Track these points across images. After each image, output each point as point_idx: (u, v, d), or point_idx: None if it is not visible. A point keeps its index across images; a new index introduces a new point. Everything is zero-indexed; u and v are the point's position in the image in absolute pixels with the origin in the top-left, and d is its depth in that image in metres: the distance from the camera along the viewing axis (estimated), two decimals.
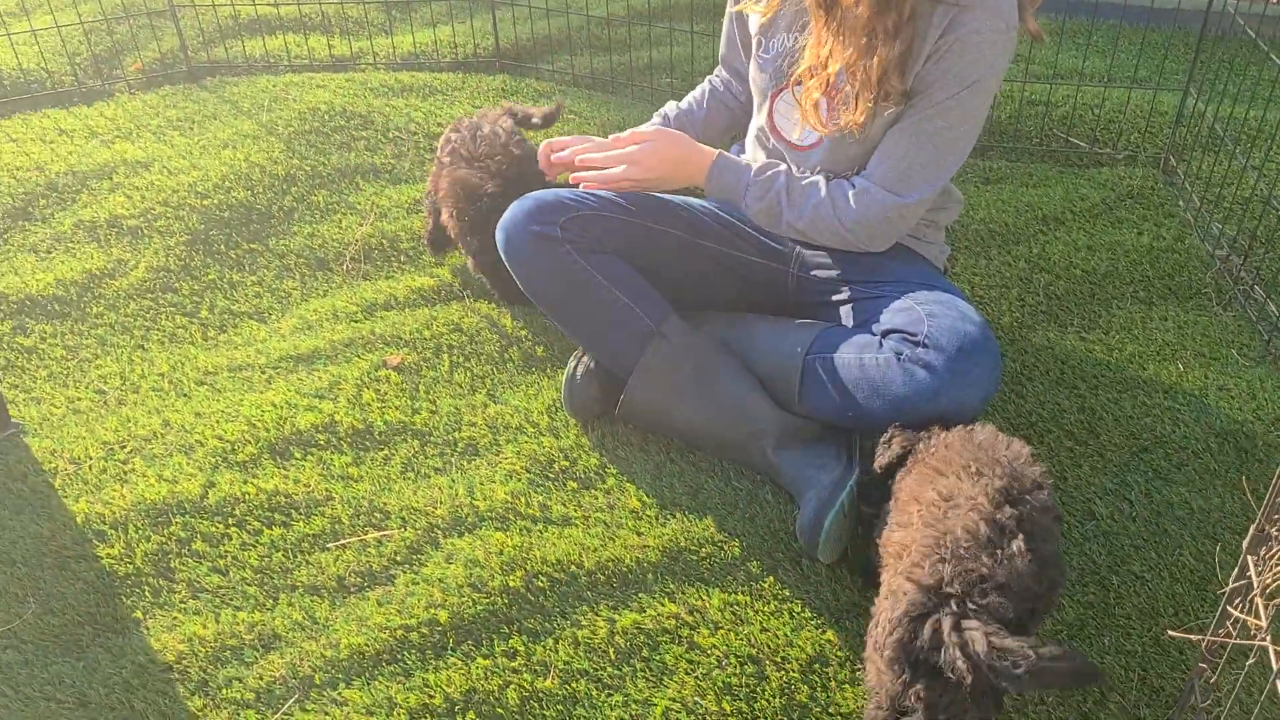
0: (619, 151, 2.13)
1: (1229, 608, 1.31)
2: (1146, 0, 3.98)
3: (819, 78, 2.02)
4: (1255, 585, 1.25)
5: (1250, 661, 1.23)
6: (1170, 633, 1.44)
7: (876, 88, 1.97)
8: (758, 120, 2.27)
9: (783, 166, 2.12)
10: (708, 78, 2.52)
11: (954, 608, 1.41)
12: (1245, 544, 1.31)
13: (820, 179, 2.10)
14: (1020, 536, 1.48)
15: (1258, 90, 3.30)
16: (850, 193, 2.07)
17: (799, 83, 2.08)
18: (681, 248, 2.21)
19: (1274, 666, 1.17)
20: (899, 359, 1.92)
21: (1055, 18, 4.07)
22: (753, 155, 2.31)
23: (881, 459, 1.81)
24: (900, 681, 1.45)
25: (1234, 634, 1.32)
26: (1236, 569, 1.33)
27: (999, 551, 1.47)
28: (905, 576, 1.49)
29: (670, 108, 2.51)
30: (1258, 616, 1.23)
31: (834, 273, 2.22)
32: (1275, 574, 1.21)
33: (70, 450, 2.16)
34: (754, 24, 2.22)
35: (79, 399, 2.34)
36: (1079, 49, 3.90)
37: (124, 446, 2.18)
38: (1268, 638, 1.20)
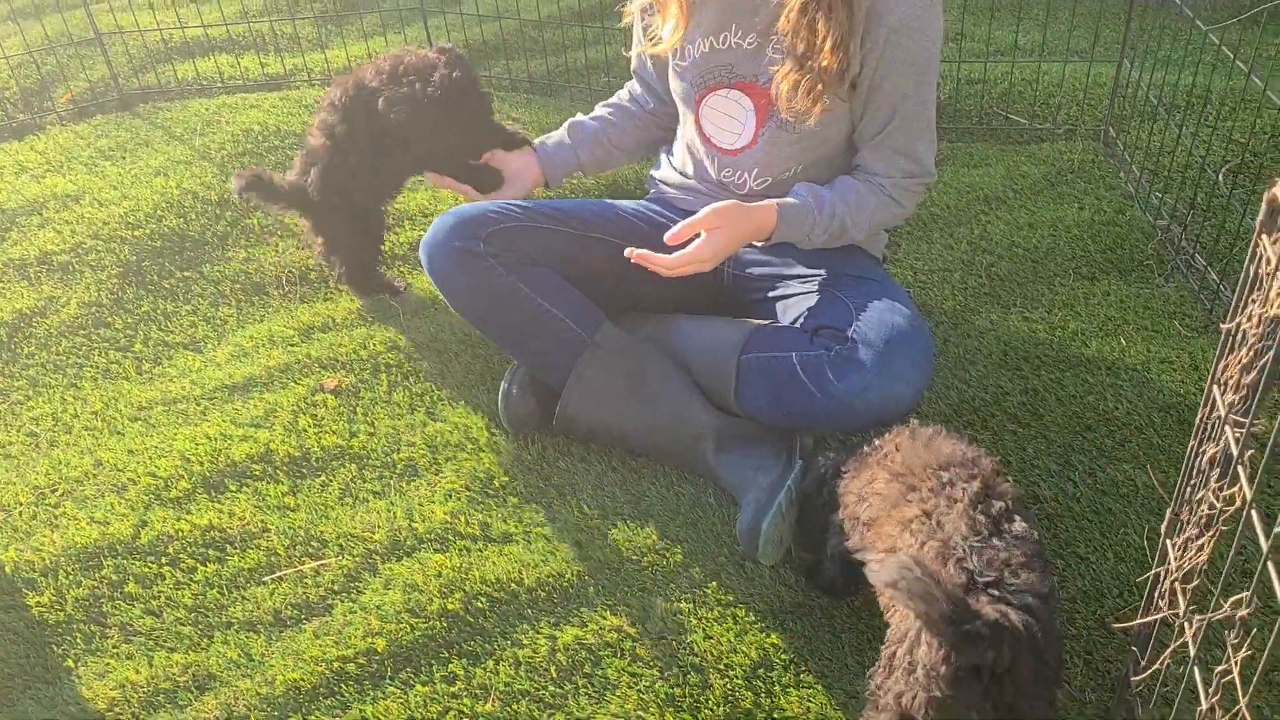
0: (691, 257, 1.95)
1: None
2: None
3: (797, 60, 1.96)
4: (1171, 570, 1.23)
5: (1175, 644, 1.22)
6: (1108, 622, 1.42)
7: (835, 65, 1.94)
8: (686, 131, 2.24)
9: (831, 194, 2.03)
10: (623, 90, 2.46)
11: (993, 594, 1.36)
12: (1163, 529, 1.29)
13: (858, 185, 2.05)
14: (1016, 518, 1.46)
15: (1188, 56, 3.29)
16: (889, 187, 2.06)
17: (726, 83, 2.05)
18: (613, 254, 2.18)
19: (1191, 650, 1.15)
20: (829, 355, 1.90)
21: None
22: (683, 163, 2.28)
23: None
24: (965, 693, 1.36)
25: (1166, 616, 1.30)
26: (1159, 554, 1.31)
27: (1007, 536, 1.44)
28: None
29: (576, 124, 2.39)
30: (1176, 602, 1.21)
31: (769, 270, 2.20)
32: (1190, 559, 1.19)
33: (0, 497, 2.12)
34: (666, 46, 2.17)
35: (10, 443, 2.30)
36: (1013, 24, 3.89)
37: (55, 490, 2.14)
38: (1186, 622, 1.18)
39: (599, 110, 2.42)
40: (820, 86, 1.93)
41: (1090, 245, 2.71)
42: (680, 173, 2.30)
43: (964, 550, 1.41)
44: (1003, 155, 3.15)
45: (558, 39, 3.94)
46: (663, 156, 2.41)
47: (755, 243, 2.12)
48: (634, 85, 2.43)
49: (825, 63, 1.91)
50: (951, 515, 1.48)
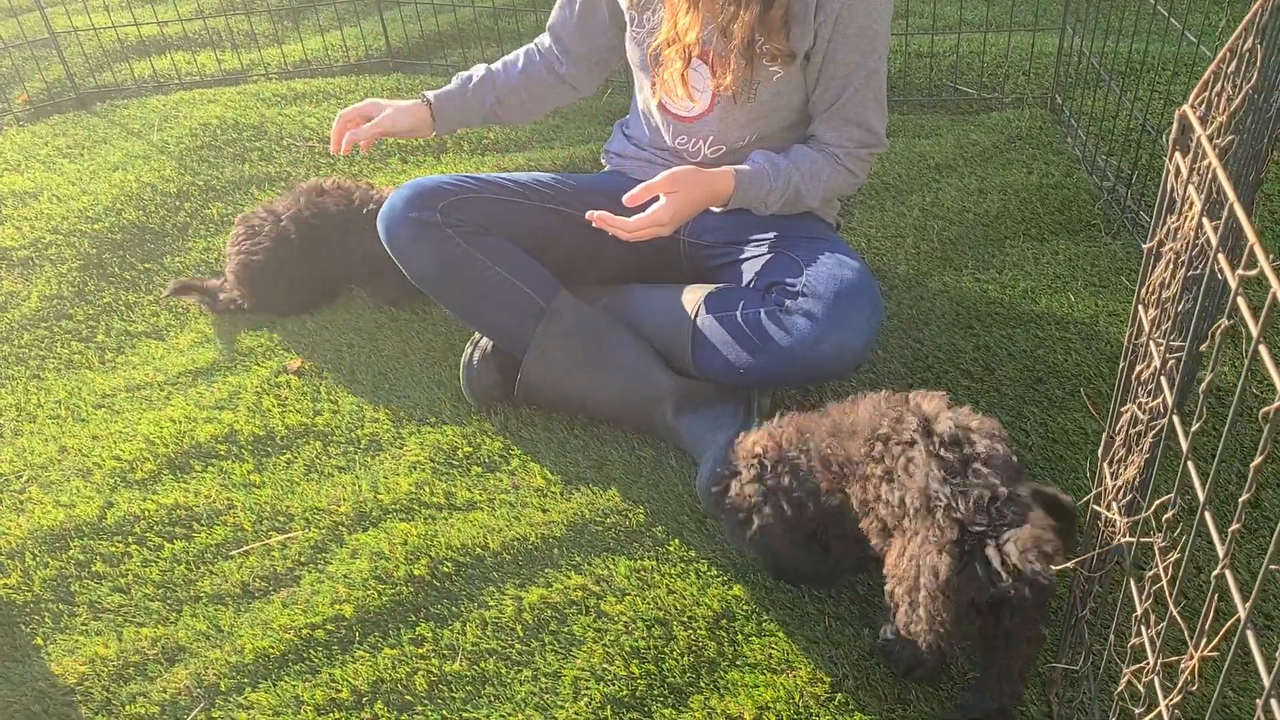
0: (650, 219, 1.97)
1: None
2: None
3: (677, 48, 2.03)
4: (1109, 489, 1.27)
5: (1111, 564, 1.26)
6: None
7: (747, 50, 1.98)
8: (643, 96, 2.27)
9: (786, 162, 2.06)
10: (530, 46, 2.40)
11: (989, 534, 1.40)
12: (1099, 453, 1.34)
13: (812, 154, 2.09)
14: (979, 458, 1.49)
15: (1129, 24, 3.36)
16: (843, 157, 2.09)
17: (656, 56, 2.09)
18: (569, 224, 2.21)
19: (1125, 561, 1.19)
20: (780, 310, 1.94)
21: None
22: (638, 131, 2.32)
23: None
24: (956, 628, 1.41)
25: (1104, 534, 1.35)
26: (1096, 479, 1.36)
27: (977, 475, 1.47)
28: (933, 543, 1.43)
29: (479, 73, 2.36)
30: (1113, 520, 1.25)
31: (723, 236, 2.23)
32: (1123, 478, 1.24)
33: None
34: (625, 6, 2.21)
35: None
36: (957, 1, 3.95)
37: (20, 476, 2.15)
38: (1120, 536, 1.22)
39: (499, 65, 2.38)
40: (740, 64, 2.00)
41: (1039, 208, 2.76)
42: (635, 143, 2.33)
43: (947, 497, 1.44)
44: (952, 125, 3.20)
45: (513, 26, 3.96)
46: (617, 128, 2.44)
47: (714, 209, 2.16)
48: (547, 45, 2.38)
49: (738, 45, 1.97)
50: (918, 464, 1.51)
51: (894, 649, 1.65)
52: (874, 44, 2.01)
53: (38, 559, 1.95)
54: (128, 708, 1.68)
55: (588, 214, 1.97)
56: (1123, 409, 1.28)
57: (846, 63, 2.00)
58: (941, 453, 1.50)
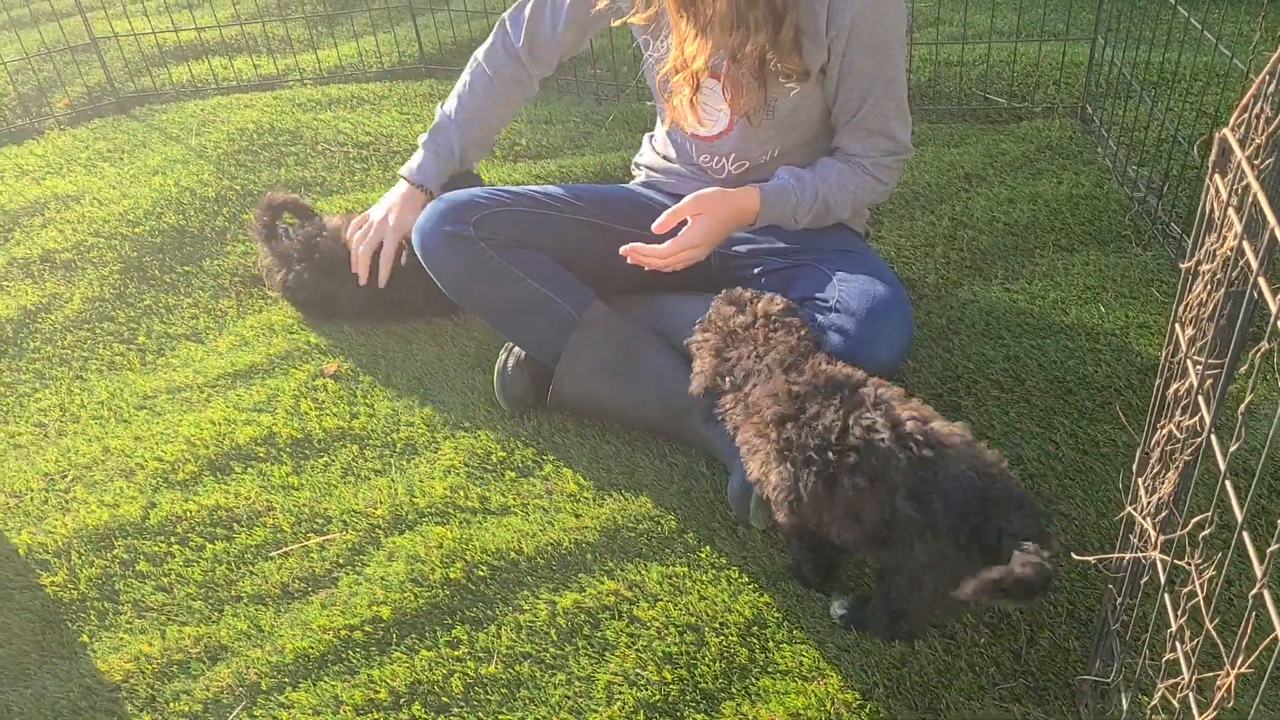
0: (682, 244, 2.02)
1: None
2: None
3: (684, 75, 2.05)
4: (1143, 504, 1.29)
5: (1144, 579, 1.28)
6: (1074, 555, 1.48)
7: (759, 72, 2.01)
8: (665, 120, 2.29)
9: (811, 176, 2.09)
10: (479, 66, 2.44)
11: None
12: (1134, 468, 1.35)
13: (838, 165, 2.11)
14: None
15: (1158, 33, 3.35)
16: (869, 167, 2.12)
17: (664, 83, 2.11)
18: (601, 235, 2.24)
19: (1160, 577, 1.21)
20: (813, 324, 1.96)
21: None
22: (664, 147, 2.34)
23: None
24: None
25: (1138, 550, 1.36)
26: (1130, 493, 1.37)
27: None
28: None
29: (451, 110, 2.44)
30: (1148, 535, 1.27)
31: (754, 246, 2.26)
32: (1159, 493, 1.25)
33: (11, 484, 2.18)
34: (637, 29, 2.21)
35: (19, 433, 2.35)
36: (989, 6, 3.95)
37: (65, 476, 2.19)
38: (1155, 551, 1.24)
39: (452, 102, 2.45)
40: (755, 76, 2.02)
41: (1069, 218, 2.77)
42: (663, 156, 2.36)
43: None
44: (982, 134, 3.21)
45: None
46: (645, 141, 2.47)
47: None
48: (511, 31, 2.40)
49: (758, 47, 1.98)
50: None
51: (860, 615, 1.76)
52: (889, 53, 2.03)
53: (83, 557, 1.99)
54: (172, 705, 1.72)
55: (622, 250, 2.01)
56: (1158, 424, 1.29)
57: (864, 74, 2.02)
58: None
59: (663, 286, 2.32)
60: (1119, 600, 1.39)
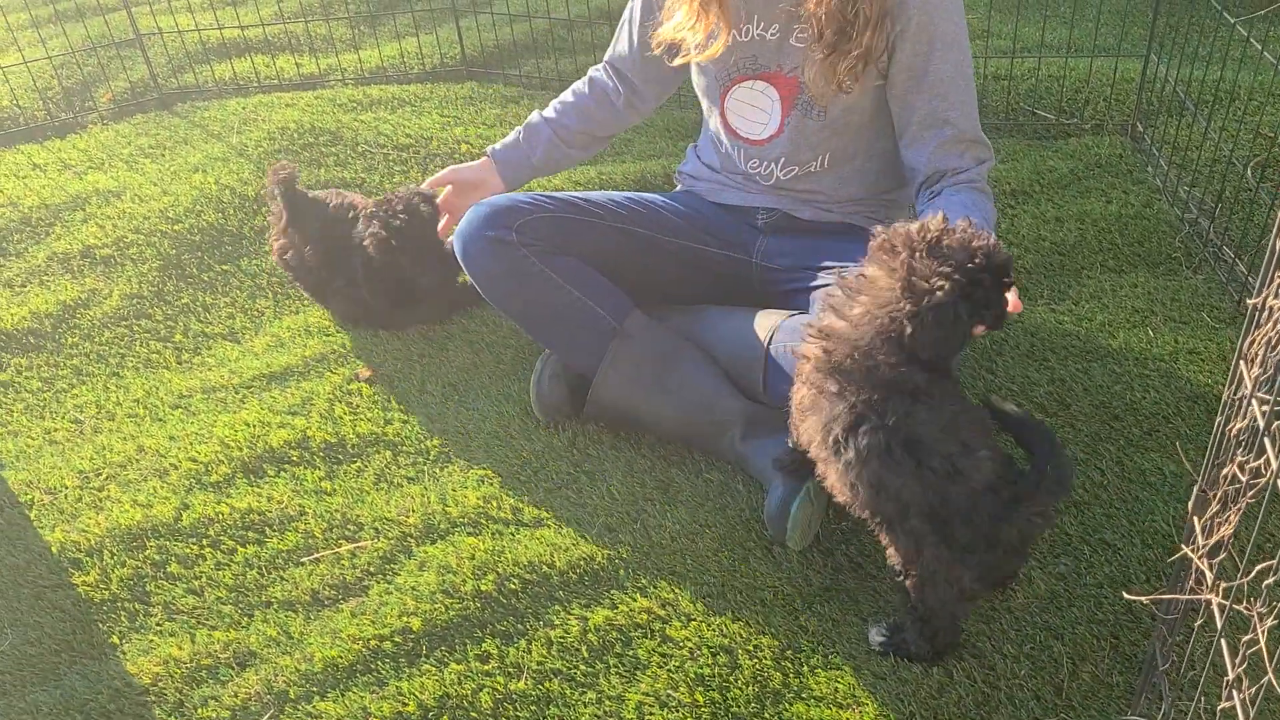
0: None
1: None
2: None
3: (829, 45, 1.95)
4: (1199, 547, 1.25)
5: (1198, 622, 1.23)
6: (1125, 594, 1.43)
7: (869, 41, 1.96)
8: (712, 123, 2.27)
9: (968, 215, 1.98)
10: (582, 83, 2.43)
11: None
12: (1190, 506, 1.31)
13: (970, 198, 2.00)
14: None
15: (1215, 51, 3.29)
16: (977, 180, 2.04)
17: (750, 75, 2.07)
18: (643, 244, 2.22)
19: (1217, 623, 1.17)
20: None
21: None
22: (710, 156, 2.31)
23: None
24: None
25: (1194, 595, 1.32)
26: (1186, 532, 1.33)
27: None
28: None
29: (532, 130, 2.41)
30: (1203, 577, 1.23)
31: (796, 261, 2.22)
32: (1218, 535, 1.21)
33: (46, 480, 2.18)
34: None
35: (55, 429, 2.36)
36: (1039, 20, 3.89)
37: (99, 474, 2.20)
38: (1212, 594, 1.20)
39: (552, 111, 2.42)
40: (861, 65, 1.95)
41: (1117, 238, 2.72)
42: (708, 166, 2.33)
43: None
44: (1029, 150, 3.16)
45: (586, 38, 3.98)
46: (690, 151, 2.44)
47: (785, 236, 2.17)
48: (602, 77, 2.40)
49: (865, 41, 1.93)
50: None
51: (899, 639, 1.71)
52: (962, 49, 1.99)
53: (115, 557, 1.99)
54: (200, 711, 1.71)
55: None
56: (1218, 461, 1.25)
57: (942, 77, 1.98)
58: None
59: (703, 299, 2.29)
60: (1169, 640, 1.35)
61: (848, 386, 1.58)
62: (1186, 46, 3.12)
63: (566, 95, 2.43)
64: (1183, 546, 1.30)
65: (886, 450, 1.54)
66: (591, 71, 2.43)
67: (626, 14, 2.31)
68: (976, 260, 1.50)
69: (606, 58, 2.39)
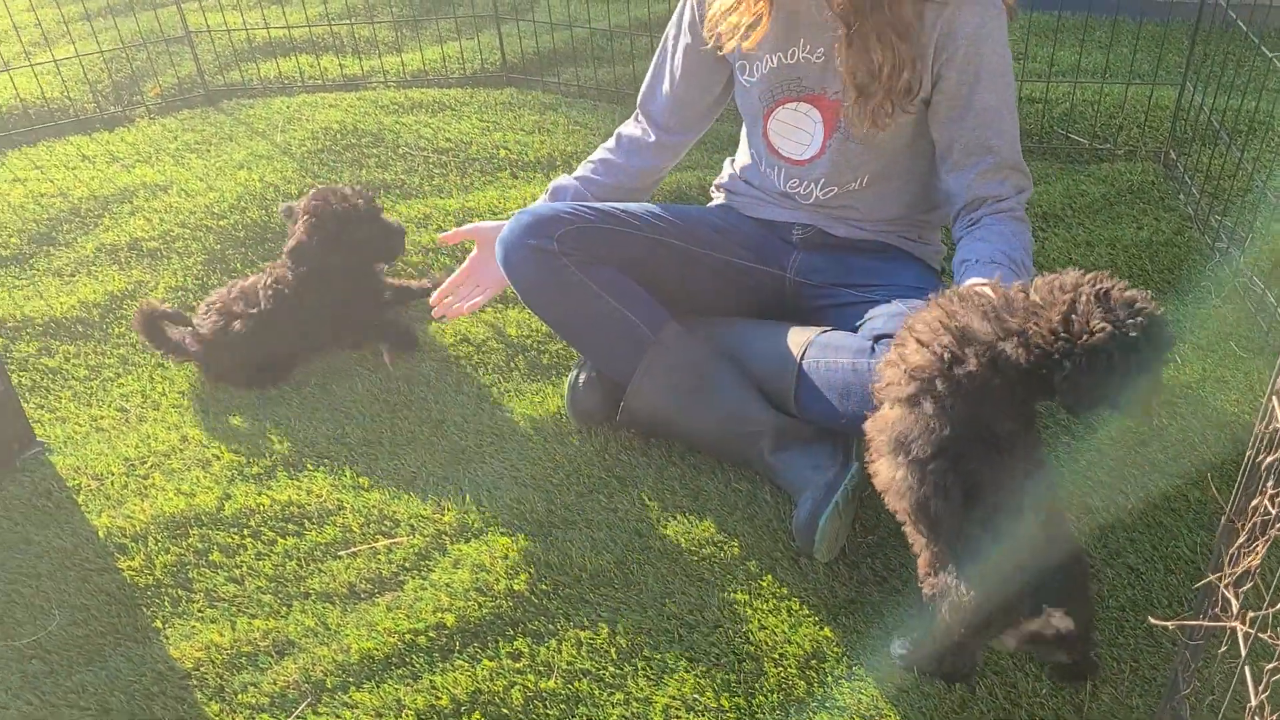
0: None
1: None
2: None
3: (885, 85, 1.98)
4: (1225, 574, 1.28)
5: (1221, 649, 1.27)
6: (1151, 620, 1.47)
7: (901, 85, 1.99)
8: (753, 141, 2.31)
9: (1011, 253, 1.98)
10: (611, 142, 2.43)
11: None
12: (1218, 535, 1.34)
13: (1008, 227, 2.03)
14: None
15: (1252, 81, 3.30)
16: (1017, 209, 2.07)
17: (794, 97, 2.10)
18: (679, 256, 2.26)
19: (1242, 650, 1.20)
20: None
21: (1052, 14, 4.09)
22: (748, 172, 2.35)
23: None
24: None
25: (1218, 622, 1.35)
26: (1212, 561, 1.36)
27: None
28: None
29: (559, 191, 2.39)
30: (1228, 604, 1.26)
31: (829, 277, 2.26)
32: (1245, 564, 1.24)
33: (93, 466, 2.24)
34: (732, 55, 2.20)
35: (101, 417, 2.42)
36: (1076, 45, 3.91)
37: (144, 462, 2.26)
38: (1236, 621, 1.23)
39: (581, 171, 2.42)
40: (888, 108, 1.99)
41: (1148, 265, 2.74)
42: (745, 181, 2.37)
43: None
44: (1062, 174, 3.19)
45: (626, 48, 4.03)
46: (726, 164, 2.48)
47: (817, 251, 2.20)
48: (629, 129, 2.42)
49: (889, 86, 1.97)
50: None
51: (917, 655, 1.73)
52: (1006, 79, 2.02)
53: (159, 544, 2.05)
54: (239, 696, 1.76)
55: None
56: (1247, 492, 1.28)
57: (985, 105, 2.01)
58: None
59: (736, 312, 2.33)
60: (1192, 666, 1.38)
61: (939, 415, 1.55)
62: (1222, 76, 3.14)
63: (594, 155, 2.45)
64: (1208, 574, 1.34)
65: (944, 491, 1.55)
66: (619, 129, 2.45)
67: (663, 49, 2.33)
68: (1139, 319, 1.47)
69: (638, 104, 2.41)
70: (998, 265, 1.93)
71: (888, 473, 1.64)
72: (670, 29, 2.31)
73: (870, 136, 2.07)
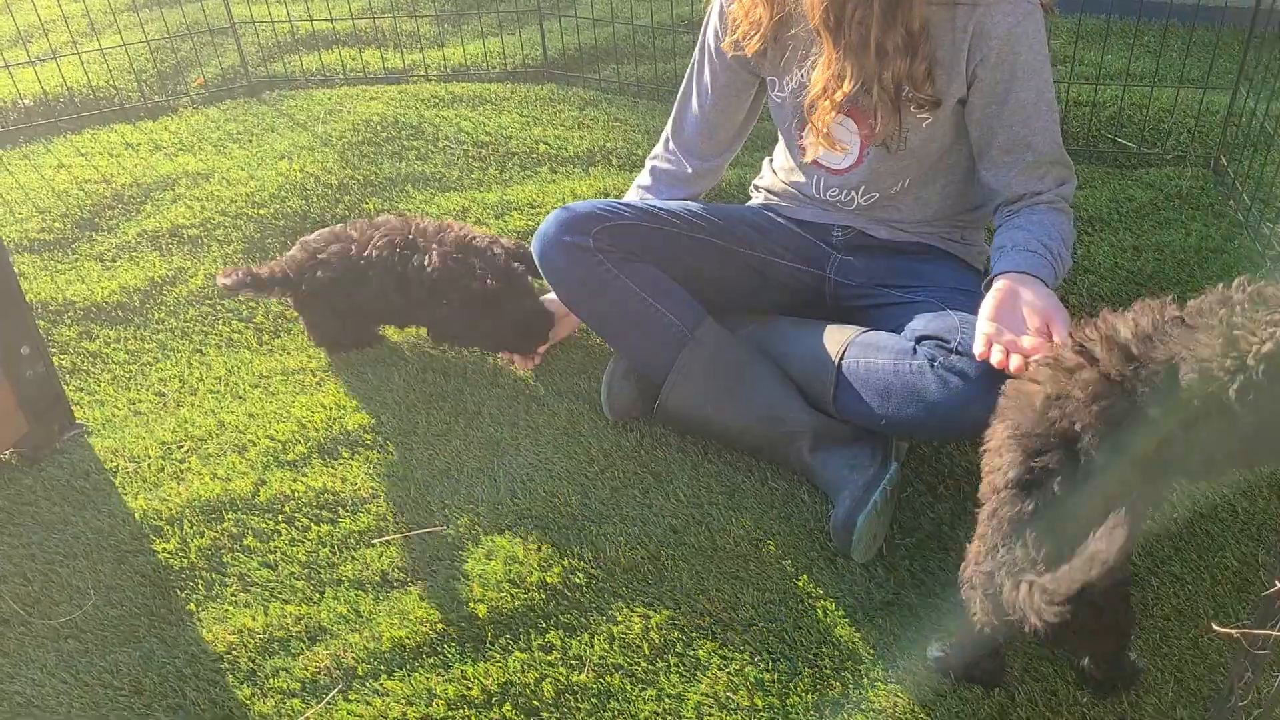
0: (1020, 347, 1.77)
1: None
2: None
3: (831, 99, 2.01)
4: None
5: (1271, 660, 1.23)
6: (1214, 627, 1.42)
7: (895, 99, 1.99)
8: (792, 153, 2.28)
9: (1048, 242, 1.95)
10: (652, 164, 2.44)
11: None
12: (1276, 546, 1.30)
13: (1049, 217, 2.00)
14: None
15: None
16: (1057, 200, 2.04)
17: (811, 107, 2.08)
18: (717, 255, 2.24)
19: None
20: (933, 366, 1.93)
21: (1101, 17, 4.03)
22: (788, 176, 2.33)
23: None
24: None
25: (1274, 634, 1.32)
26: (1278, 570, 1.32)
27: None
28: None
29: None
30: None
31: (870, 278, 2.24)
32: None
33: (130, 450, 2.25)
34: (766, 69, 2.19)
35: (140, 401, 2.43)
36: (1126, 48, 3.86)
37: (181, 446, 2.27)
38: None
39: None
40: (897, 120, 2.00)
41: (1196, 271, 2.69)
42: (784, 181, 2.35)
43: None
44: (1109, 178, 3.14)
45: (667, 45, 4.01)
46: (765, 164, 2.46)
47: (856, 256, 2.18)
48: (661, 164, 2.42)
49: (893, 94, 1.97)
50: None
51: (949, 661, 1.71)
52: (1044, 75, 1.99)
53: (195, 528, 2.05)
54: (271, 681, 1.76)
55: (977, 354, 1.80)
56: None
57: (1022, 103, 1.98)
58: None
59: (774, 311, 2.31)
60: (1249, 675, 1.34)
61: (1042, 450, 1.50)
62: (1277, 81, 3.07)
63: (628, 194, 2.45)
64: (1275, 582, 1.30)
65: (1019, 515, 1.51)
66: (651, 163, 2.44)
67: (690, 74, 2.32)
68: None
69: (669, 136, 2.40)
70: (1032, 253, 1.92)
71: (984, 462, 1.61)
72: (696, 53, 2.30)
73: (911, 138, 2.05)
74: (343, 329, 2.48)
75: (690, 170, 2.39)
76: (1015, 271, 1.88)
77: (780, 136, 2.32)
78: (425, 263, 2.29)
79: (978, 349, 1.79)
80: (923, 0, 1.91)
